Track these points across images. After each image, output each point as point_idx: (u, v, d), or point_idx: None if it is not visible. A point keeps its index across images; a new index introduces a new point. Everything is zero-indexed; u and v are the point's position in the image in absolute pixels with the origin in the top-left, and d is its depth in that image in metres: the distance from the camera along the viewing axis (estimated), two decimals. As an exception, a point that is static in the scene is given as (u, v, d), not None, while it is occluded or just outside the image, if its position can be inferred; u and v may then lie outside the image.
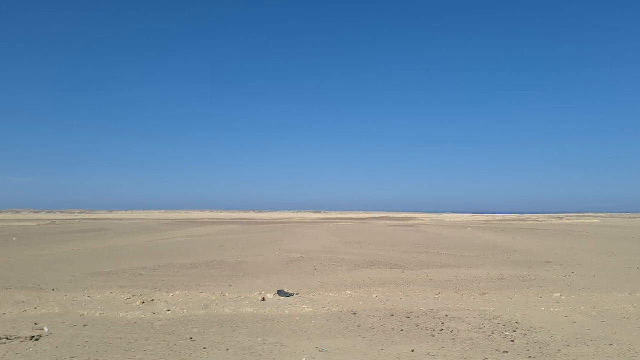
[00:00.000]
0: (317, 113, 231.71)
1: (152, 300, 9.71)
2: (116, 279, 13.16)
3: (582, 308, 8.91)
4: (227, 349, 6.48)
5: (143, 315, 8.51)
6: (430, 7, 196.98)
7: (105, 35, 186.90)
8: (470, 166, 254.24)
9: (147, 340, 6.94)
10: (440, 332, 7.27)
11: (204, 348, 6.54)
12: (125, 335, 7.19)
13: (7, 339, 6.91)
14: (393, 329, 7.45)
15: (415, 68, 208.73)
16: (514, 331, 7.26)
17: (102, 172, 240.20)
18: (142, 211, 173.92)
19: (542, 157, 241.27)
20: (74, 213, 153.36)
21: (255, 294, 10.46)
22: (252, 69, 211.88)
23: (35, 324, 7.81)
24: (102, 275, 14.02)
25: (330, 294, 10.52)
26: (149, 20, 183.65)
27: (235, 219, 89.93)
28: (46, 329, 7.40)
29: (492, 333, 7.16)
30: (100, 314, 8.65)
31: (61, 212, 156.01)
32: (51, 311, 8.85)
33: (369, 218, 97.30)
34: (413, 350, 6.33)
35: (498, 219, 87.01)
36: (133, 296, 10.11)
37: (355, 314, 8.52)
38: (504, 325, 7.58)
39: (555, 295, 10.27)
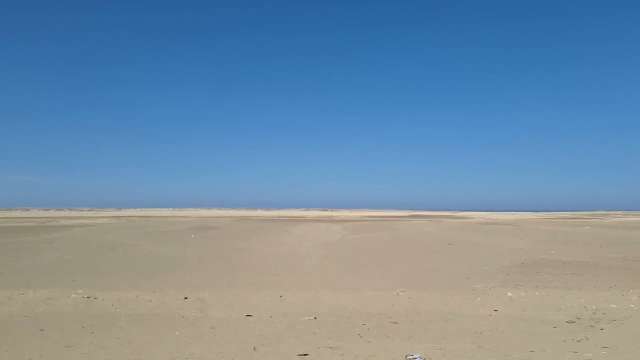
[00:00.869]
0: (317, 113, 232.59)
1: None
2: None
3: None
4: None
5: None
6: (430, 7, 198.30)
7: (105, 35, 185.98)
8: (470, 166, 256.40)
9: None
10: None
11: None
12: None
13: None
14: None
15: (415, 68, 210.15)
16: None
17: (102, 172, 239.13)
18: (150, 209, 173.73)
19: (542, 157, 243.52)
20: (83, 211, 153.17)
21: None
22: (252, 69, 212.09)
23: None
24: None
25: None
26: (149, 20, 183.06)
27: (283, 217, 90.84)
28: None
29: None
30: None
31: (70, 210, 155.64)
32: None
33: (408, 216, 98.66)
34: None
35: (565, 217, 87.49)
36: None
37: None
38: None
39: None
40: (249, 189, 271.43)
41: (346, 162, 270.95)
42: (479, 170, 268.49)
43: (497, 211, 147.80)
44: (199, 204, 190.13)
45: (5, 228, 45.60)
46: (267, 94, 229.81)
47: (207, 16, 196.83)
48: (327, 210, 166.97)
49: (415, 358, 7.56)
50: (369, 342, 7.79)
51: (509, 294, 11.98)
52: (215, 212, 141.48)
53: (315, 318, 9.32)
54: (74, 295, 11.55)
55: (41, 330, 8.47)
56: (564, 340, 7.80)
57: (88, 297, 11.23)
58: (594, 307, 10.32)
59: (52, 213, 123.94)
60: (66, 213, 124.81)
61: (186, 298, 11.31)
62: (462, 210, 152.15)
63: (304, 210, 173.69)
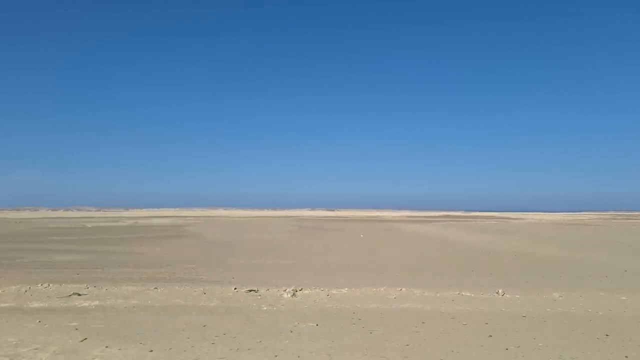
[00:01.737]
0: (317, 113, 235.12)
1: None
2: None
3: None
4: None
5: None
6: (430, 7, 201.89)
7: (105, 35, 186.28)
8: (470, 166, 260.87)
9: None
10: None
11: None
12: None
13: None
14: None
15: (415, 68, 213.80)
16: None
17: (102, 172, 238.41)
18: (156, 209, 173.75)
19: (542, 157, 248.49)
20: (90, 211, 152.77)
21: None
22: (252, 69, 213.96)
23: None
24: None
25: None
26: (149, 20, 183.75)
27: (325, 217, 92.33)
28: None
29: None
30: None
31: (78, 210, 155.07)
32: None
33: (441, 217, 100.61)
34: None
35: (606, 217, 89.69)
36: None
37: None
38: None
39: None
40: (249, 188, 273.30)
41: (346, 162, 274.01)
42: (479, 170, 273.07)
43: (512, 211, 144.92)
44: (199, 204, 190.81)
45: (108, 229, 47.22)
46: (267, 94, 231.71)
47: (207, 16, 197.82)
48: (333, 210, 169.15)
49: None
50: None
51: None
52: (247, 213, 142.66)
53: None
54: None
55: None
56: None
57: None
58: None
59: (73, 213, 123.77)
60: (99, 213, 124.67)
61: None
62: (473, 210, 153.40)
63: (310, 210, 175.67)
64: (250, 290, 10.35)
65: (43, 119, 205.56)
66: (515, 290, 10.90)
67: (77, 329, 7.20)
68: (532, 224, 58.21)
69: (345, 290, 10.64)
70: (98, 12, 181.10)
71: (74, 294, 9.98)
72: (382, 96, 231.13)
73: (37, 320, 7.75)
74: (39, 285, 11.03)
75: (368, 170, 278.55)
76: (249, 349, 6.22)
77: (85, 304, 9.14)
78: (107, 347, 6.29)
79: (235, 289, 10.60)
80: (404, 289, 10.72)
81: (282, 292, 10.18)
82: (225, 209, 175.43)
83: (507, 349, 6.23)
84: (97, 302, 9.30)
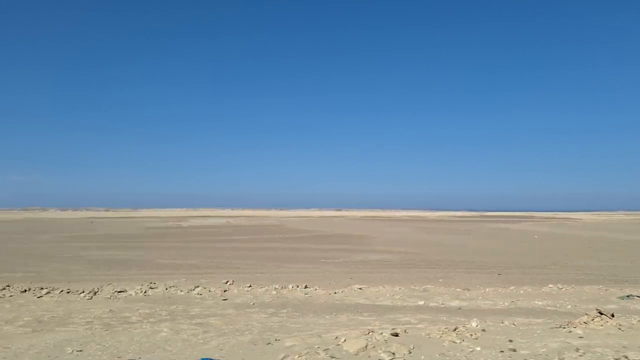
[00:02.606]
0: (317, 113, 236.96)
1: None
2: None
3: None
4: None
5: None
6: (430, 7, 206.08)
7: (105, 35, 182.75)
8: (470, 166, 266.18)
9: None
10: None
11: None
12: None
13: None
14: None
15: (415, 68, 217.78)
16: None
17: (102, 172, 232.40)
18: (161, 209, 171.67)
19: (542, 157, 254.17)
20: (99, 211, 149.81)
21: None
22: (252, 69, 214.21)
23: None
24: None
25: None
26: (149, 20, 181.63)
27: (367, 217, 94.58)
28: None
29: None
30: None
31: (87, 210, 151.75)
32: None
33: (481, 217, 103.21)
34: None
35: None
36: None
37: None
38: None
39: None
40: (249, 189, 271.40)
41: (346, 162, 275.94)
42: (479, 170, 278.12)
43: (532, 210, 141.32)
44: (199, 205, 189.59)
45: (210, 230, 48.76)
46: (267, 94, 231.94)
47: (207, 16, 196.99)
48: (341, 210, 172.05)
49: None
50: None
51: None
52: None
53: None
54: None
55: None
56: None
57: None
58: None
59: (93, 213, 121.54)
60: (129, 213, 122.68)
61: None
62: (472, 210, 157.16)
63: (319, 210, 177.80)
64: None
65: (43, 119, 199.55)
66: None
67: None
68: (611, 222, 63.23)
69: None
70: (98, 12, 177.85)
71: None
72: (382, 96, 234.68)
73: None
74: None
75: (368, 170, 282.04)
76: None
77: None
78: None
79: None
80: None
81: None
82: (232, 209, 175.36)
83: None
84: None
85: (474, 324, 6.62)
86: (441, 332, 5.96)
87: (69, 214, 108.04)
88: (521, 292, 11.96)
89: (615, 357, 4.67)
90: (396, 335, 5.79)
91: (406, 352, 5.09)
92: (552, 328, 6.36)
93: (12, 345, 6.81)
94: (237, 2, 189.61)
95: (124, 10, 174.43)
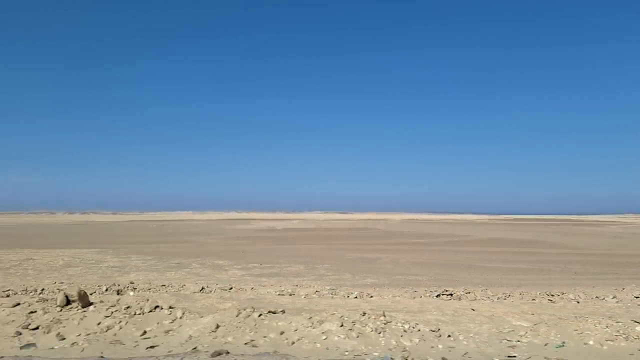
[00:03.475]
0: (317, 113, 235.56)
1: None
2: None
3: None
4: None
5: None
6: (430, 7, 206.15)
7: (105, 35, 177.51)
8: (470, 166, 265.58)
9: None
10: None
11: None
12: None
13: None
14: None
15: (415, 68, 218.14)
16: None
17: (102, 172, 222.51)
18: (175, 212, 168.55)
19: (542, 157, 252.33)
20: (107, 214, 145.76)
21: None
22: (252, 69, 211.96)
23: None
24: None
25: None
26: (149, 20, 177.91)
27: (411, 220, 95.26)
28: None
29: None
30: None
31: (94, 213, 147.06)
32: None
33: (530, 220, 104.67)
34: None
35: None
36: None
37: None
38: None
39: None
40: (249, 189, 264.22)
41: (346, 162, 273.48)
42: (479, 170, 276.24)
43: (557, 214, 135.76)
44: (203, 208, 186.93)
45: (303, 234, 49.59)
46: (267, 94, 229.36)
47: (207, 16, 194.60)
48: (346, 213, 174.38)
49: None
50: None
51: None
52: (328, 217, 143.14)
53: None
54: None
55: None
56: None
57: None
58: None
59: (120, 217, 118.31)
60: (181, 215, 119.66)
61: None
62: (474, 212, 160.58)
63: (322, 213, 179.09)
64: None
65: (43, 119, 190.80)
66: None
67: None
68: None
69: None
70: (98, 12, 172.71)
71: None
72: (382, 96, 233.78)
73: None
74: None
75: (368, 170, 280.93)
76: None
77: None
78: None
79: None
80: None
81: None
82: (237, 212, 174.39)
83: None
84: None
85: None
86: None
87: (91, 217, 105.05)
88: None
89: None
90: None
91: None
92: None
93: None
94: (237, 2, 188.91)
95: (124, 10, 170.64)
